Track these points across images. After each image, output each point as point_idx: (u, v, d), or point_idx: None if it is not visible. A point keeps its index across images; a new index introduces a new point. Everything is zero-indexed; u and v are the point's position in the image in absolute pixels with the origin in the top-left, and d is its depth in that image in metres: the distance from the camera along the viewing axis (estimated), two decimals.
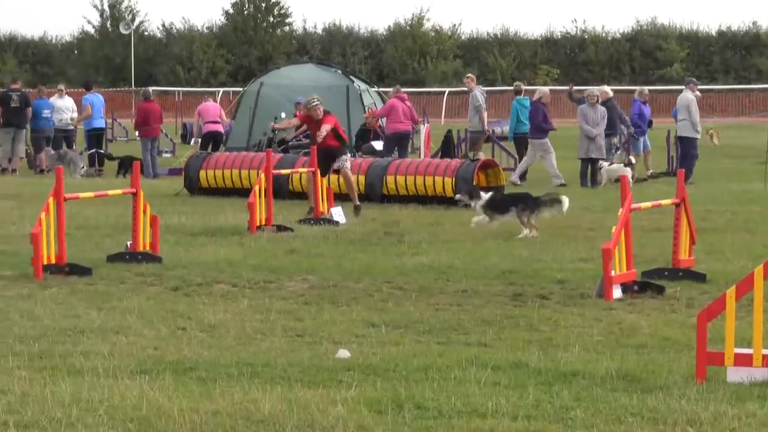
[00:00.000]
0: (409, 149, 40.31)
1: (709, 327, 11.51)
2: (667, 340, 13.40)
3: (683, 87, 37.92)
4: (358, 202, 26.20)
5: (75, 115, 41.14)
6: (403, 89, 43.67)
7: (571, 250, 20.58)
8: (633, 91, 42.64)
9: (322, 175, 25.63)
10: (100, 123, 41.45)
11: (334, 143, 26.02)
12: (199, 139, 44.54)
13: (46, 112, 40.16)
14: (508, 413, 10.20)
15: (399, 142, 36.89)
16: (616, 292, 16.15)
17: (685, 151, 35.92)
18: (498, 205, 22.86)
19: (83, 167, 37.78)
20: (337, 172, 26.30)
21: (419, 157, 38.21)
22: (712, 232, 22.54)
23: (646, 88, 43.57)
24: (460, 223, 24.38)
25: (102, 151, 40.68)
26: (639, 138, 38.13)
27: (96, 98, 41.55)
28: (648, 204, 18.84)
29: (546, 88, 38.17)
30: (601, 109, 35.41)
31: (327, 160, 25.83)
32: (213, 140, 41.94)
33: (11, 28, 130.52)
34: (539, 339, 13.51)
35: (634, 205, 17.22)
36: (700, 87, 43.46)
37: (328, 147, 25.79)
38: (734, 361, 11.44)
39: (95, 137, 40.86)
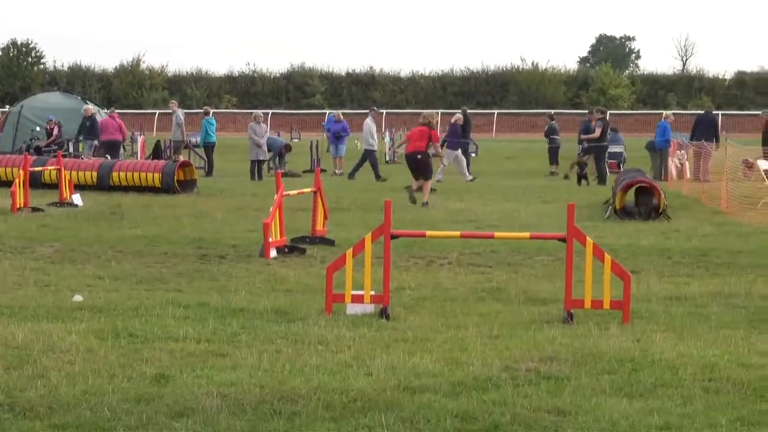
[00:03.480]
0: (124, 154, 39.43)
1: (335, 276, 11.66)
2: (307, 286, 13.49)
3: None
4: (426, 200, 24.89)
5: None
6: (125, 111, 42.92)
7: (243, 224, 20.57)
8: (285, 114, 42.40)
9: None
10: None
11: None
12: None
13: None
14: (194, 338, 10.15)
15: (112, 149, 35.85)
16: (273, 253, 16.22)
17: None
18: None
19: None
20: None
21: (137, 159, 37.66)
22: (341, 210, 22.79)
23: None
24: (165, 205, 24.14)
25: None
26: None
27: None
28: (295, 192, 18.96)
29: (458, 115, 35.84)
30: (264, 127, 35.55)
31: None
32: None
33: None
34: (218, 286, 13.46)
35: (285, 193, 17.32)
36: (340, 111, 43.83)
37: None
38: (351, 299, 11.61)
39: None
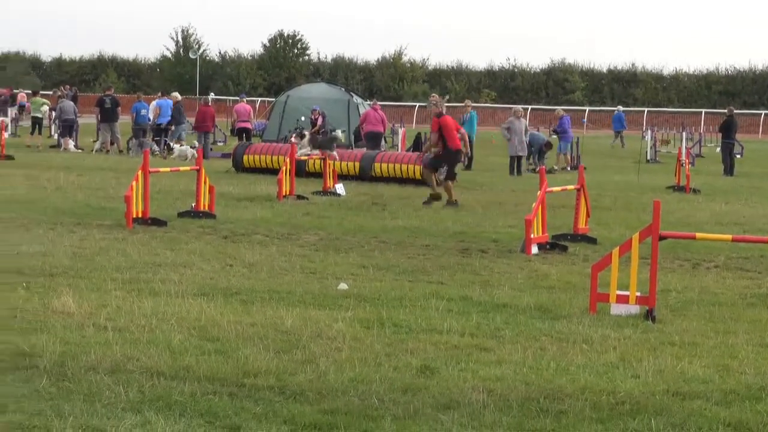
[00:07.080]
0: (385, 146, 39.91)
1: (599, 275, 11.51)
2: (569, 284, 13.36)
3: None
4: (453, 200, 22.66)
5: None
6: (386, 103, 43.37)
7: (503, 219, 20.56)
8: (550, 110, 42.22)
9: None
10: (166, 120, 39.78)
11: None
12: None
13: (143, 112, 39.48)
14: (458, 331, 10.19)
15: (373, 140, 36.35)
16: (534, 249, 16.15)
17: None
18: None
19: (156, 151, 37.23)
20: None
21: (398, 151, 38.11)
22: (602, 209, 22.52)
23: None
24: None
25: (167, 140, 40.01)
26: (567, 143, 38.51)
27: (165, 102, 40.73)
28: (558, 188, 18.83)
29: None
30: (524, 122, 35.45)
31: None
32: (244, 134, 41.20)
33: (113, 50, 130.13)
34: (480, 280, 13.47)
35: (548, 189, 17.21)
36: (595, 108, 43.32)
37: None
38: (616, 299, 11.45)
39: (163, 130, 39.80)
